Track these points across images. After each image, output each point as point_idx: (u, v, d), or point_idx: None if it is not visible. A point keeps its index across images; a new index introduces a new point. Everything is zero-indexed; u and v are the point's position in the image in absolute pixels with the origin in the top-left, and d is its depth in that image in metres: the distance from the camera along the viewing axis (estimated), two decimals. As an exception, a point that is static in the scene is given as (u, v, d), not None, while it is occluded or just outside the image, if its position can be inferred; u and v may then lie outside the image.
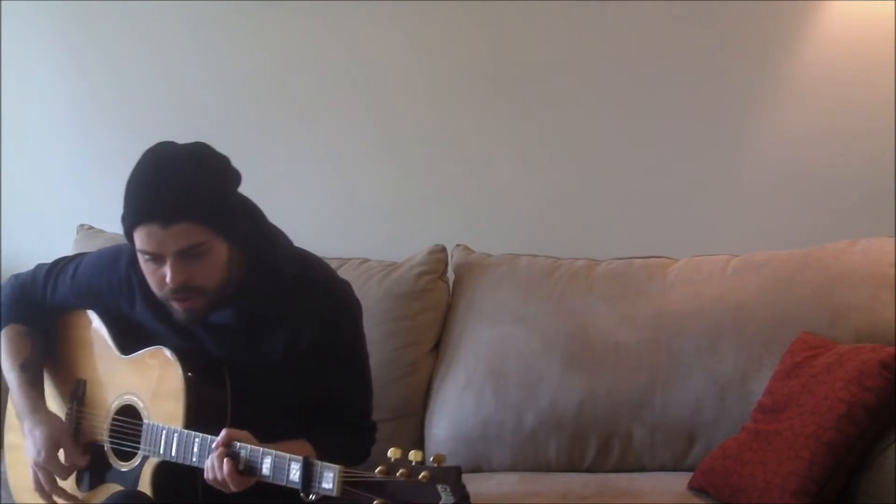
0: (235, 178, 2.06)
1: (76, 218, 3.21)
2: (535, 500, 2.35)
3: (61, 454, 2.19)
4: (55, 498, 2.21)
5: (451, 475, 1.67)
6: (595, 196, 3.05)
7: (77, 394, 2.27)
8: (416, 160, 3.17)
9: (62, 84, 3.36)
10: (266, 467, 1.88)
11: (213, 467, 1.93)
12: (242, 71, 3.24)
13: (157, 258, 1.98)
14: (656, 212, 3.01)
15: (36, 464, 2.19)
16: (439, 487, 1.66)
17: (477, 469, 2.62)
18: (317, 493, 1.80)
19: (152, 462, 2.08)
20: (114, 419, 2.20)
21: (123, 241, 3.12)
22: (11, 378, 2.27)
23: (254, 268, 2.10)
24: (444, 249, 2.83)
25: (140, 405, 2.15)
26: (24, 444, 2.24)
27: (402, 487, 1.68)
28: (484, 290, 2.75)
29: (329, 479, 1.77)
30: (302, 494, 1.81)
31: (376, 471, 1.70)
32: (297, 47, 3.20)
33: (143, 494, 2.12)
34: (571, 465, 2.57)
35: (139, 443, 2.11)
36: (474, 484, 2.45)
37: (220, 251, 2.01)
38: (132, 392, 2.18)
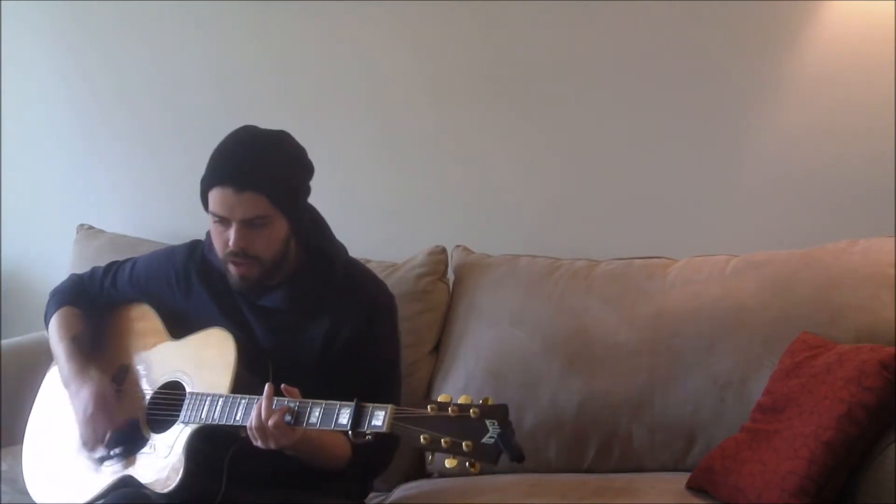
0: (309, 169, 2.23)
1: (76, 218, 3.22)
2: (535, 500, 2.35)
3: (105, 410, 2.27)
4: (98, 455, 2.27)
5: (500, 411, 1.74)
6: (595, 196, 3.05)
7: (119, 377, 2.35)
8: (417, 161, 3.17)
9: (62, 84, 3.37)
10: (315, 416, 1.95)
11: (261, 414, 1.99)
12: (242, 70, 3.24)
13: (225, 221, 2.14)
14: (656, 212, 3.01)
15: (84, 419, 2.27)
16: (488, 422, 1.73)
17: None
18: (364, 432, 1.86)
19: (187, 432, 2.14)
20: (155, 392, 2.27)
21: (124, 241, 3.15)
22: (61, 348, 2.38)
23: (309, 256, 2.26)
24: (444, 250, 2.83)
25: (185, 379, 2.23)
26: (71, 407, 2.31)
27: (452, 422, 1.75)
28: (484, 290, 2.75)
29: (380, 417, 1.84)
30: (349, 433, 1.88)
31: (427, 408, 1.77)
32: (297, 47, 3.20)
33: (143, 494, 2.14)
34: (571, 465, 2.57)
35: (178, 413, 2.17)
36: (474, 484, 2.45)
37: (280, 227, 2.17)
38: (179, 369, 2.26)
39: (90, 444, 2.27)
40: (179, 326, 2.33)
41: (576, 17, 3.00)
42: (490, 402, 1.76)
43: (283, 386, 2.02)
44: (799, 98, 2.89)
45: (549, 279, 2.71)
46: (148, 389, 2.30)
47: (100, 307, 2.46)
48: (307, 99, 3.20)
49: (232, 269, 2.18)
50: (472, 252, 2.86)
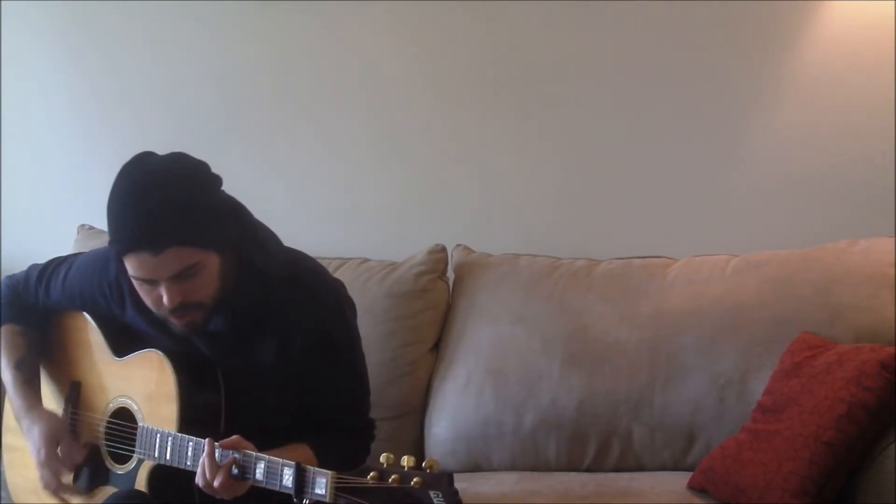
0: (217, 183, 2.03)
1: (76, 218, 3.21)
2: (535, 500, 2.35)
3: (60, 451, 2.18)
4: (63, 495, 2.20)
5: (443, 481, 1.67)
6: (595, 196, 3.05)
7: (72, 396, 2.27)
8: (417, 160, 3.16)
9: (62, 84, 3.36)
10: (259, 472, 1.88)
11: (205, 473, 1.92)
12: (243, 70, 3.24)
13: (152, 282, 1.97)
14: (656, 212, 3.01)
15: (38, 463, 2.18)
16: (431, 493, 1.66)
17: (477, 468, 2.62)
18: (310, 499, 1.80)
19: (148, 465, 2.08)
20: (109, 422, 2.20)
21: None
22: (7, 378, 2.27)
23: (243, 272, 2.08)
24: (444, 249, 2.83)
25: (134, 408, 2.15)
26: (25, 444, 2.23)
27: (393, 494, 1.69)
28: (484, 289, 2.75)
29: (321, 485, 1.77)
30: (295, 500, 1.82)
31: (368, 476, 1.71)
32: (298, 47, 3.19)
33: (143, 494, 2.12)
34: (571, 465, 2.57)
35: (134, 446, 2.11)
36: (474, 483, 2.45)
37: (212, 265, 2.00)
38: (127, 395, 2.18)
39: (52, 486, 2.18)
40: (119, 340, 2.21)
41: (575, 18, 2.99)
42: (435, 469, 1.69)
43: (211, 441, 1.92)
44: (799, 98, 2.89)
45: (550, 278, 2.72)
46: (99, 417, 2.22)
47: (40, 316, 2.33)
48: (307, 99, 3.20)
49: (174, 321, 2.02)
50: (473, 251, 2.86)
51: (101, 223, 3.14)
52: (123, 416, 2.17)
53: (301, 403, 2.13)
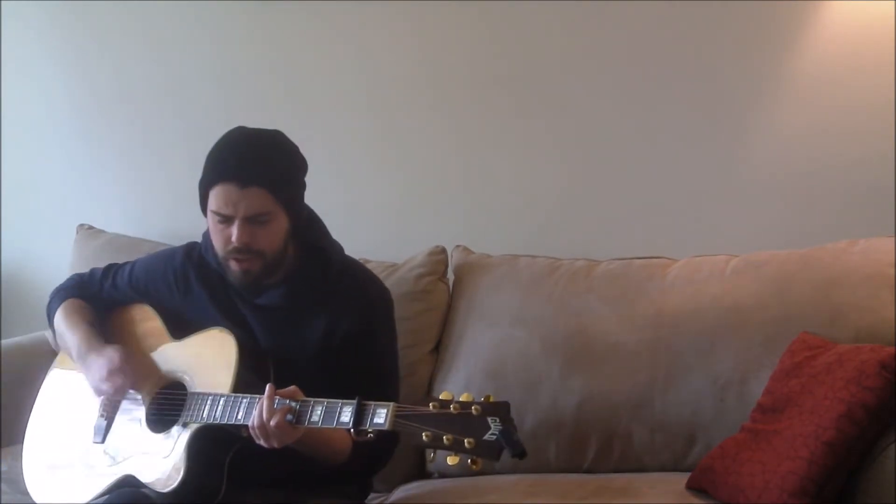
0: (305, 165, 2.25)
1: (76, 218, 3.22)
2: (535, 500, 2.35)
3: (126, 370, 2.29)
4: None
5: (502, 408, 1.75)
6: (595, 196, 3.05)
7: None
8: (417, 161, 3.17)
9: (63, 84, 3.37)
10: (316, 415, 1.95)
11: (262, 413, 1.99)
12: (243, 70, 3.24)
13: (227, 219, 2.15)
14: (656, 212, 3.01)
15: (109, 372, 2.26)
16: (490, 419, 1.73)
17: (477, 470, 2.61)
18: (367, 430, 1.85)
19: (188, 432, 2.14)
20: (158, 392, 2.27)
21: (124, 241, 3.15)
22: (78, 333, 2.37)
23: (307, 253, 2.27)
24: (443, 250, 2.83)
25: (187, 379, 2.23)
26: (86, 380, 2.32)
27: (454, 419, 1.75)
28: (484, 290, 2.75)
29: (381, 415, 1.84)
30: (352, 430, 1.87)
31: (429, 405, 1.77)
32: (298, 46, 3.20)
33: (143, 494, 2.14)
34: (571, 466, 2.57)
35: (179, 413, 2.17)
36: (474, 485, 2.45)
37: (282, 223, 2.18)
38: (181, 369, 2.26)
39: (114, 388, 2.26)
40: (180, 327, 2.33)
41: (575, 19, 3.00)
42: (492, 400, 1.76)
43: (287, 388, 2.02)
44: (799, 98, 2.89)
45: (549, 279, 2.71)
46: (148, 390, 2.29)
47: (101, 306, 2.47)
48: (308, 98, 3.20)
49: (234, 265, 2.19)
50: (472, 252, 2.86)
51: (102, 223, 3.18)
52: (174, 388, 2.25)
53: (339, 387, 2.15)
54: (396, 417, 1.81)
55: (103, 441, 2.28)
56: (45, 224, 3.41)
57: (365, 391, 2.14)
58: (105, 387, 2.27)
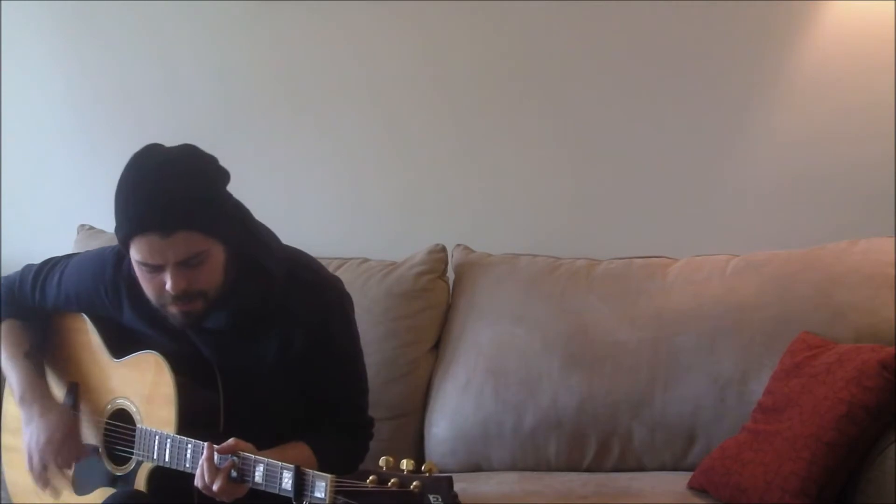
0: (225, 177, 2.04)
1: (76, 218, 3.21)
2: (535, 500, 2.35)
3: (64, 444, 2.19)
4: (48, 486, 2.20)
5: (443, 484, 1.66)
6: (595, 196, 3.05)
7: (71, 397, 2.27)
8: (417, 160, 3.16)
9: (63, 83, 3.36)
10: (258, 475, 1.88)
11: (204, 476, 1.92)
12: (246, 69, 3.23)
13: (157, 268, 1.96)
14: (656, 212, 3.01)
15: (42, 449, 2.18)
16: (431, 497, 1.66)
17: (477, 468, 2.62)
18: (309, 502, 1.80)
19: (147, 467, 2.08)
20: (107, 423, 2.20)
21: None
22: (15, 367, 2.26)
23: (245, 269, 2.07)
24: (443, 249, 2.83)
25: (133, 409, 2.15)
26: (24, 431, 2.22)
27: (392, 497, 1.68)
28: (484, 289, 2.75)
29: (321, 489, 1.78)
30: (295, 503, 1.82)
31: (367, 480, 1.70)
32: (300, 45, 3.19)
33: (143, 494, 2.12)
34: (571, 465, 2.57)
35: (133, 448, 2.12)
36: (474, 483, 2.45)
37: (218, 256, 2.00)
38: (125, 396, 2.18)
39: (53, 467, 2.17)
40: (118, 342, 2.20)
41: (575, 19, 2.99)
42: (434, 473, 1.68)
43: (211, 445, 1.92)
44: (799, 98, 2.89)
45: (550, 278, 2.72)
46: (98, 418, 2.22)
47: (37, 317, 2.33)
48: (308, 98, 3.19)
49: (174, 310, 2.00)
50: (473, 251, 2.86)
51: (102, 223, 3.17)
52: (122, 418, 2.17)
53: (300, 401, 2.13)
54: (335, 493, 1.75)
55: (85, 493, 2.21)
56: (46, 224, 3.40)
57: (332, 398, 2.13)
58: (37, 458, 2.17)
